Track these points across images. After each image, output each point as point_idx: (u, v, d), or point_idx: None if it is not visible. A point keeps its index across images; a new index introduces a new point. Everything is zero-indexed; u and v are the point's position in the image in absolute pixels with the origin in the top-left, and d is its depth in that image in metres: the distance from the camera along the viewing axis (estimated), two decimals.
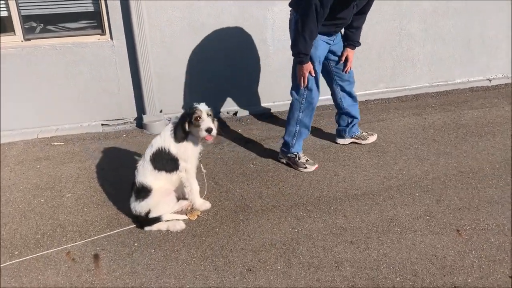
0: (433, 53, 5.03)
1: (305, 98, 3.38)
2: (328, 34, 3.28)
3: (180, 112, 4.40)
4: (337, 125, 3.91)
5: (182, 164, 2.79)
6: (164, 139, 2.76)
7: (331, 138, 4.00)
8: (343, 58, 3.50)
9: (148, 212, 2.75)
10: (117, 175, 3.43)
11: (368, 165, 3.58)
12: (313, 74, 3.26)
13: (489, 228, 2.76)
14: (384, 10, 4.64)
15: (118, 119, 4.36)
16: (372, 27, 4.60)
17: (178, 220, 2.83)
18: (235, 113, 4.63)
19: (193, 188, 2.90)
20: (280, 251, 2.60)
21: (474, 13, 4.92)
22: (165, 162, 2.76)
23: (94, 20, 4.05)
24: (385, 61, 4.91)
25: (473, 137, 3.99)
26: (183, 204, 2.96)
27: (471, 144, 3.87)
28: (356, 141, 3.90)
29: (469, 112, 4.55)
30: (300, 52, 3.09)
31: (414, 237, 2.70)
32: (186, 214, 2.92)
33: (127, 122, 4.39)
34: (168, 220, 2.80)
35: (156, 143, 2.78)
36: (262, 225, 2.84)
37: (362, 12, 3.34)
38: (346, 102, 3.71)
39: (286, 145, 3.55)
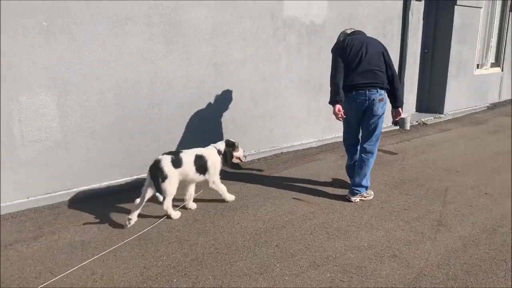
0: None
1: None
2: None
3: None
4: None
5: (216, 177, 4.42)
6: (209, 153, 4.35)
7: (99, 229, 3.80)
8: None
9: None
10: None
11: (129, 256, 3.47)
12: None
13: None
14: (140, 96, 4.85)
15: None
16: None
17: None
18: None
19: (223, 188, 4.54)
20: None
21: (227, 98, 5.61)
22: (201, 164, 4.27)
23: None
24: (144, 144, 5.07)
25: (230, 212, 4.35)
26: None
27: (227, 218, 4.19)
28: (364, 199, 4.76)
29: (230, 189, 4.94)
30: None
31: None
32: None
33: None
34: None
35: (200, 151, 4.30)
36: None
37: None
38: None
39: (365, 187, 4.64)
